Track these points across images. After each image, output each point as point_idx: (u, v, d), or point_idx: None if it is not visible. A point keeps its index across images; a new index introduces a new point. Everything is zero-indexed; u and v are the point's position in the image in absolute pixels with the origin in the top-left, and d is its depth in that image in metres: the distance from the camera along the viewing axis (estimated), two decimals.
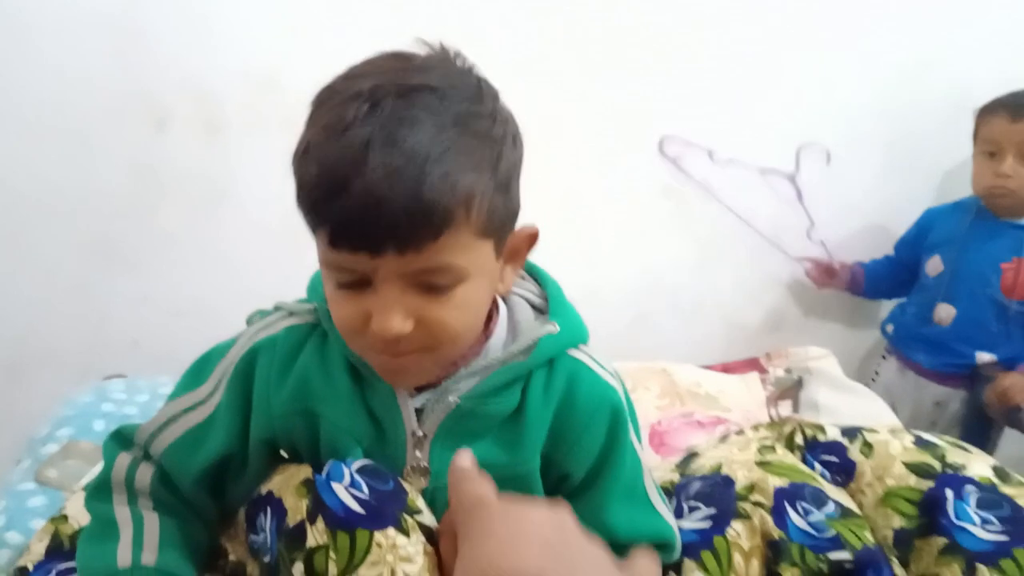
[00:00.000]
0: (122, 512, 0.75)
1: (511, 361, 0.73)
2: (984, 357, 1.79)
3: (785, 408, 1.47)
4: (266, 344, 0.76)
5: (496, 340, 0.75)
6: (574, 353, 0.77)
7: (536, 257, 0.79)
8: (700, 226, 2.01)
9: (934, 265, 1.88)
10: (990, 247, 1.78)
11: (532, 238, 0.73)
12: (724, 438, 0.98)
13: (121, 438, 0.79)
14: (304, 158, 0.61)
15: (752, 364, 1.75)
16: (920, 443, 0.84)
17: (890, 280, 2.02)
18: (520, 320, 0.77)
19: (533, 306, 0.79)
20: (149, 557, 0.72)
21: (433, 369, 0.71)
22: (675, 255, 2.03)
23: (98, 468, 0.87)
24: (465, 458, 0.53)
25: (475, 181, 0.60)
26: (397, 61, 0.64)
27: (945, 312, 1.83)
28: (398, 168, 0.57)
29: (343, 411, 0.74)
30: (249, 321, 0.82)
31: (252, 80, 1.68)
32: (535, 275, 0.82)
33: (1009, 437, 1.84)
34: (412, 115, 0.58)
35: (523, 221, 0.71)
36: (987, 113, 1.74)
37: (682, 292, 2.07)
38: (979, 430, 1.81)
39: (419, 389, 0.74)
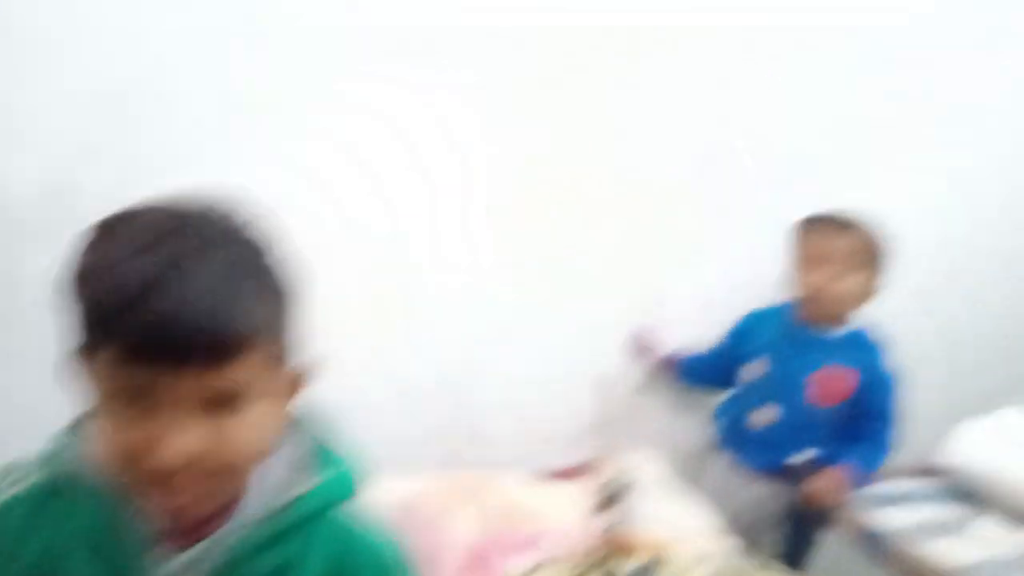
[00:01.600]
0: None
1: (261, 527, 0.68)
2: (797, 459, 1.83)
3: (608, 519, 1.43)
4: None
5: (252, 499, 0.69)
6: (340, 513, 0.73)
7: None
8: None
9: (749, 371, 1.91)
10: (801, 357, 1.83)
11: (303, 379, 0.70)
12: (535, 570, 0.94)
13: None
14: (95, 274, 0.59)
15: (587, 468, 1.71)
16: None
17: (711, 369, 2.00)
18: (272, 482, 0.70)
19: (295, 459, 0.73)
20: None
21: (212, 502, 0.66)
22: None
23: None
24: None
25: (267, 308, 0.63)
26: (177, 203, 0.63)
27: (758, 418, 1.87)
28: (208, 284, 0.58)
29: None
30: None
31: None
32: (305, 424, 0.75)
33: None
34: (207, 246, 0.60)
35: None
36: (807, 226, 1.80)
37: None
38: (801, 528, 1.85)
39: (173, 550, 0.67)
